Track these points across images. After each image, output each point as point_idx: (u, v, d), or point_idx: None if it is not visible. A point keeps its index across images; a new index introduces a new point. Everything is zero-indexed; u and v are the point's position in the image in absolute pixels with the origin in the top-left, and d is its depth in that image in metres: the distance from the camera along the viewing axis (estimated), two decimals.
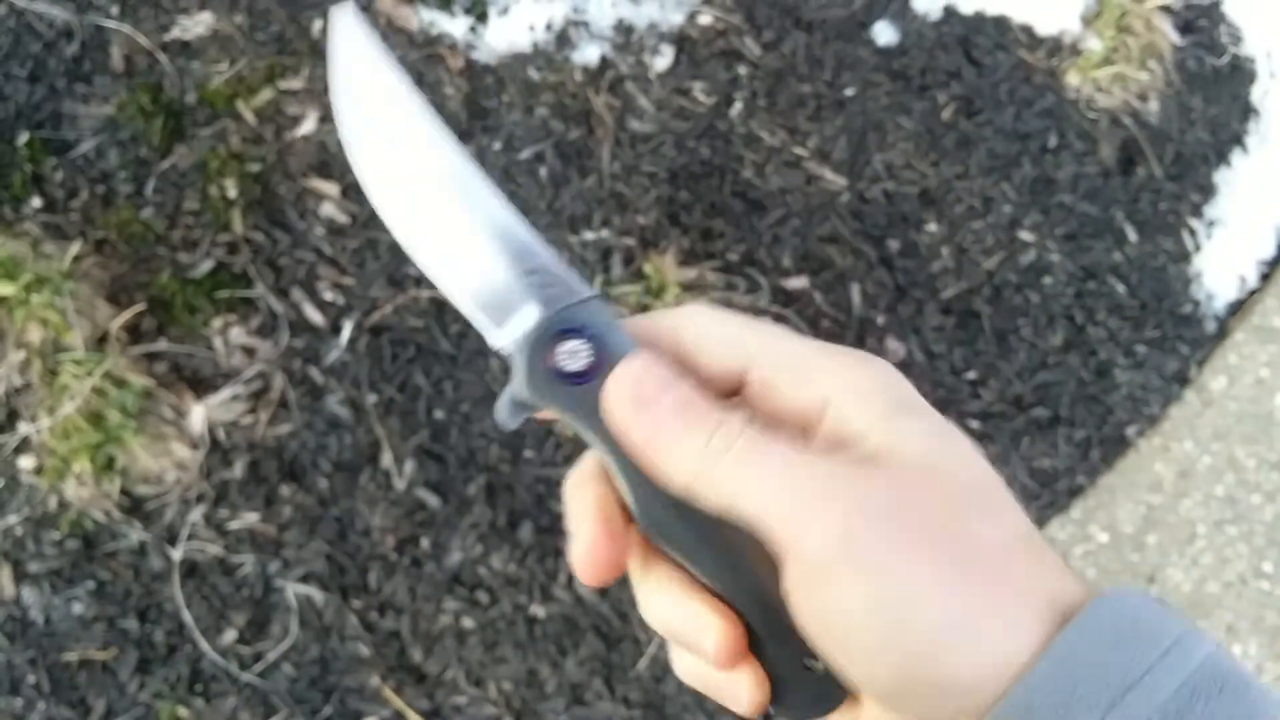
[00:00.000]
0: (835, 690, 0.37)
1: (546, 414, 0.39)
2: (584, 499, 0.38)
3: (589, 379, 0.38)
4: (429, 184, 0.40)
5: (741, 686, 0.36)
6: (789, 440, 0.35)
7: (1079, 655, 0.30)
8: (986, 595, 0.32)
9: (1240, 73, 1.68)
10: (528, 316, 0.39)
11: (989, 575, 0.32)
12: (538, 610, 1.35)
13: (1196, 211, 1.63)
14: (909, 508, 0.33)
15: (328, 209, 1.42)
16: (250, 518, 1.32)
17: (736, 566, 0.36)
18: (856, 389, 0.35)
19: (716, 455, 0.35)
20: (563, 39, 1.52)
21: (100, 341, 1.32)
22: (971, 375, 1.52)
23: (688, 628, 0.36)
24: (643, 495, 0.37)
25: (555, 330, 0.39)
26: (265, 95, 1.44)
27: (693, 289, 1.44)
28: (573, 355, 0.38)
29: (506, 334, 0.40)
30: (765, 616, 0.37)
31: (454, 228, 0.40)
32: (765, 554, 0.35)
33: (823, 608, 0.33)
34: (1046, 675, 0.30)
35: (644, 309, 1.42)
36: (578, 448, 1.37)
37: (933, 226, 1.55)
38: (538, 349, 0.38)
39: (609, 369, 0.38)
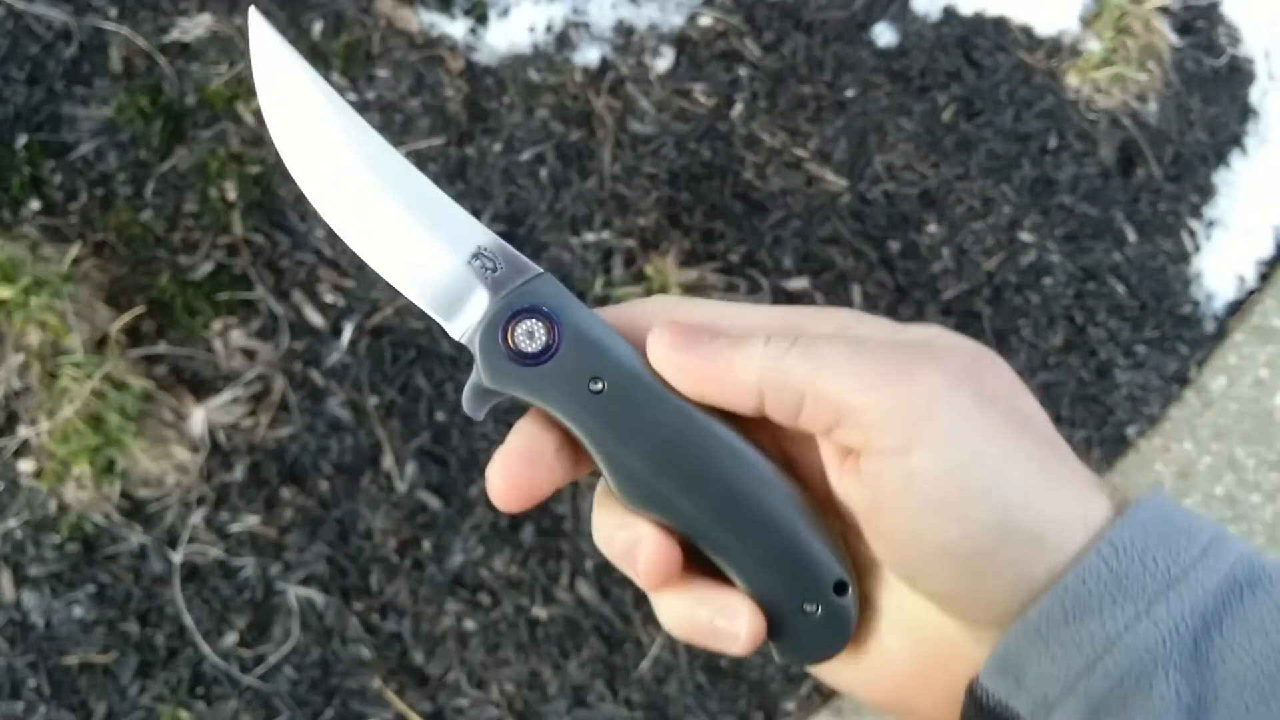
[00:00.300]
0: (836, 635, 0.38)
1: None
2: (523, 426, 0.39)
3: (549, 356, 0.38)
4: (359, 183, 0.40)
5: (737, 622, 0.38)
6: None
7: (1128, 548, 0.32)
8: (1060, 463, 0.34)
9: (1239, 74, 1.68)
10: (478, 304, 0.39)
11: (1057, 449, 0.35)
12: (540, 612, 1.35)
13: (1196, 212, 1.63)
14: (980, 382, 0.35)
15: None
16: (251, 520, 1.32)
17: (722, 508, 0.38)
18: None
19: (780, 351, 0.36)
20: (563, 40, 1.52)
21: (100, 344, 1.32)
22: None
23: (627, 545, 0.38)
24: (621, 459, 0.38)
25: (508, 314, 0.38)
26: None
27: (694, 290, 1.44)
28: (529, 336, 0.38)
29: (461, 325, 0.40)
30: (765, 557, 0.38)
31: (389, 225, 0.40)
32: (772, 489, 0.38)
33: (904, 477, 0.34)
34: (1097, 564, 0.32)
35: None
36: None
37: (933, 227, 1.55)
38: (492, 335, 0.38)
39: (571, 343, 0.38)
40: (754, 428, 0.39)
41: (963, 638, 0.36)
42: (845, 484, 0.37)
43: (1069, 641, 0.32)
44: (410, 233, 0.40)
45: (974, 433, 0.34)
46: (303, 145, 0.40)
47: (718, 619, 0.38)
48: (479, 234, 0.40)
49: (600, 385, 0.38)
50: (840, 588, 0.38)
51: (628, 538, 0.38)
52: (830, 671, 0.40)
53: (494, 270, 0.39)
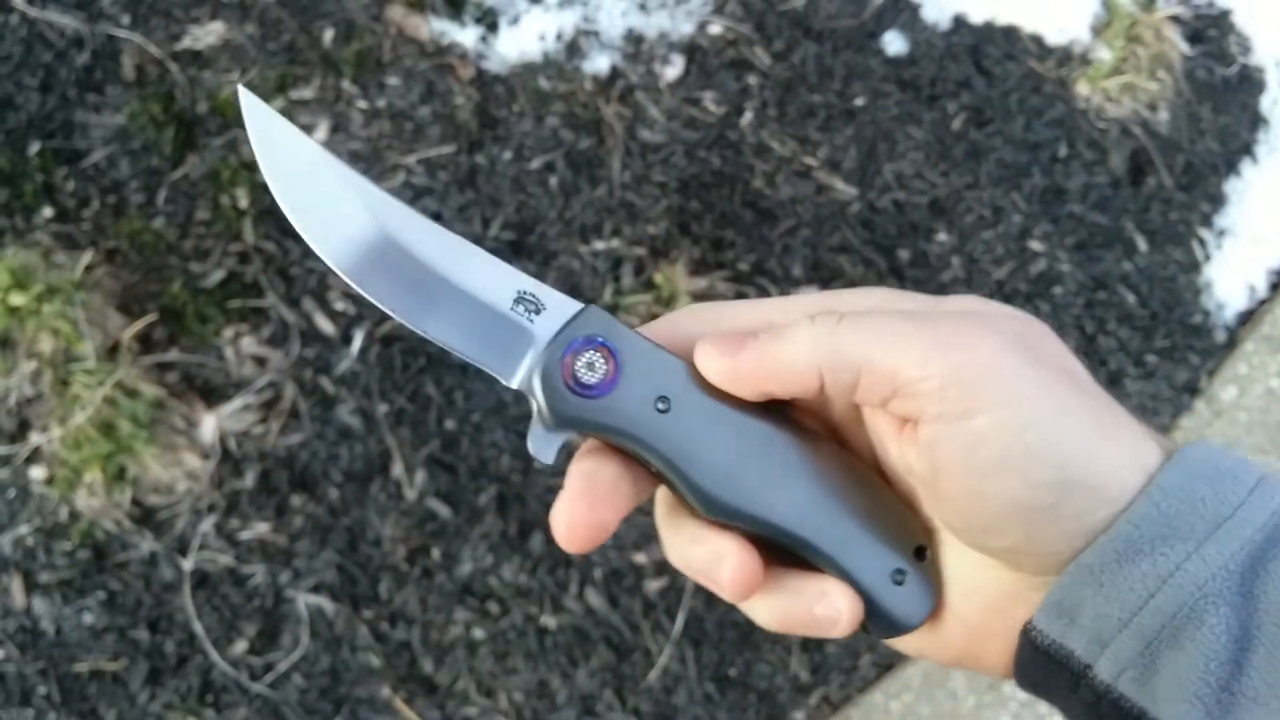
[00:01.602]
0: (923, 601, 0.39)
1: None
2: (579, 466, 0.39)
3: (612, 385, 0.38)
4: (384, 251, 0.40)
5: (834, 606, 0.39)
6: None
7: (1177, 490, 0.34)
8: (1112, 417, 0.36)
9: (1249, 82, 1.68)
10: (530, 348, 0.39)
11: (1108, 404, 0.36)
12: (549, 621, 1.35)
13: (1206, 221, 1.63)
14: (1031, 345, 0.36)
15: None
16: (261, 528, 1.32)
17: (800, 500, 0.38)
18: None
19: (829, 328, 0.37)
20: (573, 49, 1.52)
21: (111, 351, 1.32)
22: None
23: (708, 563, 0.39)
24: (697, 474, 0.38)
25: (565, 351, 0.38)
26: (276, 105, 1.45)
27: (704, 299, 1.44)
28: (590, 368, 0.38)
29: (516, 372, 0.39)
30: (849, 537, 0.39)
31: (430, 288, 0.40)
32: (841, 469, 0.38)
33: (967, 441, 0.35)
34: (1148, 508, 0.34)
35: (654, 319, 1.41)
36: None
37: (943, 236, 1.55)
38: (552, 374, 0.38)
39: (631, 368, 0.38)
40: (800, 411, 0.40)
41: (1023, 587, 0.37)
42: (904, 452, 0.38)
43: (1122, 582, 0.34)
44: (451, 292, 0.39)
45: (1032, 394, 0.35)
46: (324, 227, 0.40)
47: (815, 607, 0.39)
48: (514, 277, 0.40)
49: (666, 405, 0.38)
50: (920, 552, 0.39)
51: (707, 555, 0.39)
52: (906, 639, 0.41)
53: (537, 311, 0.39)
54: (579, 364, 0.38)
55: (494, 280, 0.40)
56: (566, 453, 0.39)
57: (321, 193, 0.40)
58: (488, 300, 0.39)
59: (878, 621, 0.40)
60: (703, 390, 0.39)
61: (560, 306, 0.39)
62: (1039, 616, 0.36)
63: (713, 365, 0.38)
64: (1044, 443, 0.34)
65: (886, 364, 0.36)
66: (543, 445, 0.39)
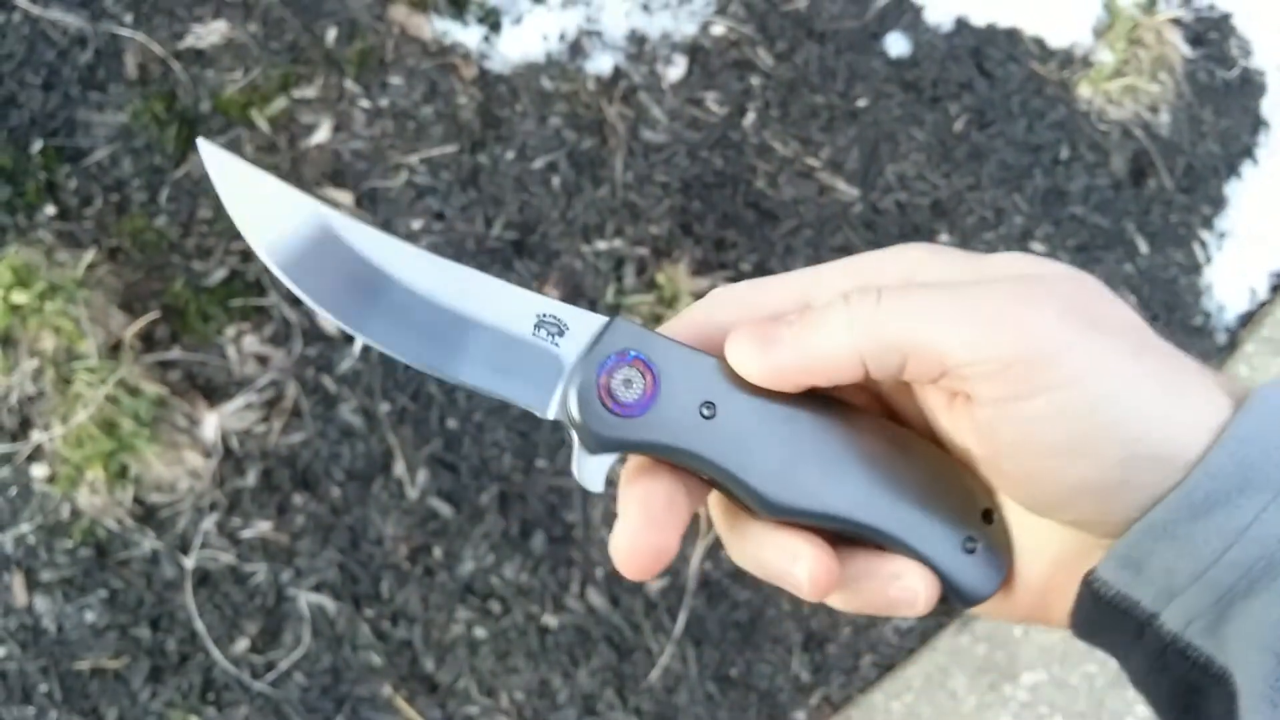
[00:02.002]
0: (998, 564, 0.38)
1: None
2: (630, 492, 0.37)
3: (653, 399, 0.36)
4: (386, 297, 0.37)
5: (910, 585, 0.37)
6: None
7: (1252, 438, 0.32)
8: (1178, 374, 0.34)
9: (1250, 85, 1.69)
10: (559, 373, 0.37)
11: (1172, 361, 0.34)
12: (550, 620, 1.35)
13: (1207, 223, 1.63)
14: (1086, 309, 0.34)
15: None
16: (263, 526, 1.32)
17: (863, 485, 0.37)
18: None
19: (867, 312, 0.35)
20: (576, 49, 1.52)
21: (114, 349, 1.32)
22: None
23: (782, 566, 0.37)
24: (753, 476, 0.36)
25: (598, 371, 0.36)
26: (279, 104, 1.45)
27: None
28: (627, 385, 0.36)
29: (550, 401, 0.37)
30: (914, 515, 0.37)
31: (438, 327, 0.37)
32: (897, 446, 0.37)
33: (1027, 424, 0.33)
34: (1222, 460, 0.32)
35: (656, 319, 1.42)
36: None
37: (945, 237, 1.55)
38: (589, 398, 0.36)
39: (670, 378, 0.36)
40: (844, 387, 0.38)
41: (1091, 545, 0.36)
42: (957, 428, 0.37)
43: (1197, 535, 0.33)
44: (468, 329, 0.37)
45: (1095, 368, 0.32)
46: (313, 271, 0.37)
47: (889, 590, 0.38)
48: (530, 300, 0.37)
49: (711, 410, 0.37)
50: (987, 515, 0.38)
51: (778, 557, 0.37)
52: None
53: (561, 332, 0.37)
54: (615, 382, 0.36)
55: (510, 307, 0.37)
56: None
57: (308, 247, 0.37)
58: (508, 330, 0.37)
59: (953, 593, 0.38)
60: (745, 388, 0.37)
61: (584, 324, 0.37)
62: (1103, 568, 0.35)
63: (748, 364, 0.36)
64: (1110, 422, 0.32)
65: (933, 348, 0.33)
66: (590, 473, 0.37)
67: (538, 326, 0.37)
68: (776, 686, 1.37)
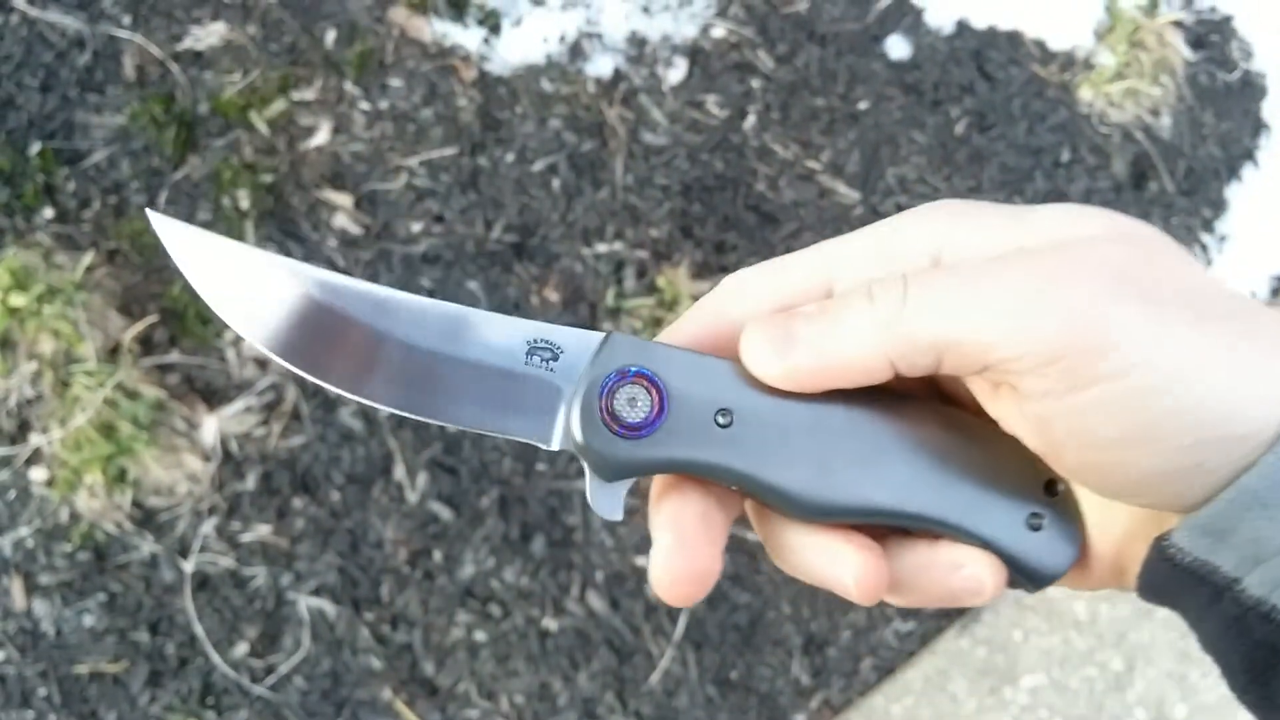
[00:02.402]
0: (1069, 537, 0.35)
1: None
2: (660, 515, 0.35)
3: (661, 416, 0.34)
4: (383, 357, 0.35)
5: (973, 574, 0.35)
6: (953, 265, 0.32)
7: None
8: (1249, 341, 0.30)
9: (1251, 88, 1.68)
10: (558, 401, 0.35)
11: (1241, 323, 0.30)
12: (550, 623, 1.35)
13: (1208, 226, 1.63)
14: (1142, 278, 0.30)
15: (340, 220, 1.42)
16: (262, 530, 1.32)
17: (905, 475, 0.34)
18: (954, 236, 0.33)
19: (894, 309, 0.31)
20: (576, 51, 1.52)
21: (112, 353, 1.32)
22: None
23: (831, 573, 0.35)
24: (782, 482, 0.34)
25: (598, 393, 0.34)
26: (278, 106, 1.44)
27: None
28: (631, 404, 0.34)
29: (553, 432, 0.35)
30: (968, 499, 0.34)
31: (424, 371, 0.35)
32: (941, 427, 0.34)
33: (1082, 418, 0.30)
34: None
35: (657, 322, 1.41)
36: None
37: None
38: (592, 424, 0.34)
39: (677, 390, 0.34)
40: None
41: (1166, 515, 0.34)
42: (1006, 417, 0.33)
43: None
44: (456, 369, 0.35)
45: (1153, 351, 0.29)
46: (285, 331, 0.35)
47: (951, 582, 0.35)
48: (518, 327, 0.35)
49: (727, 418, 0.34)
50: (1050, 487, 0.35)
51: (822, 563, 0.35)
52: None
53: (555, 357, 0.35)
54: (618, 403, 0.34)
55: (498, 338, 0.35)
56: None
57: (298, 324, 0.35)
58: (498, 364, 0.35)
59: (1022, 575, 0.35)
60: (764, 389, 0.34)
61: (578, 344, 0.35)
62: (1179, 535, 0.32)
63: (764, 368, 0.34)
64: (1175, 408, 0.29)
65: (971, 344, 0.30)
66: (605, 502, 0.35)
67: (529, 354, 0.35)
68: (777, 689, 1.37)
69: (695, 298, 1.43)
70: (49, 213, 1.38)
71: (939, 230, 0.34)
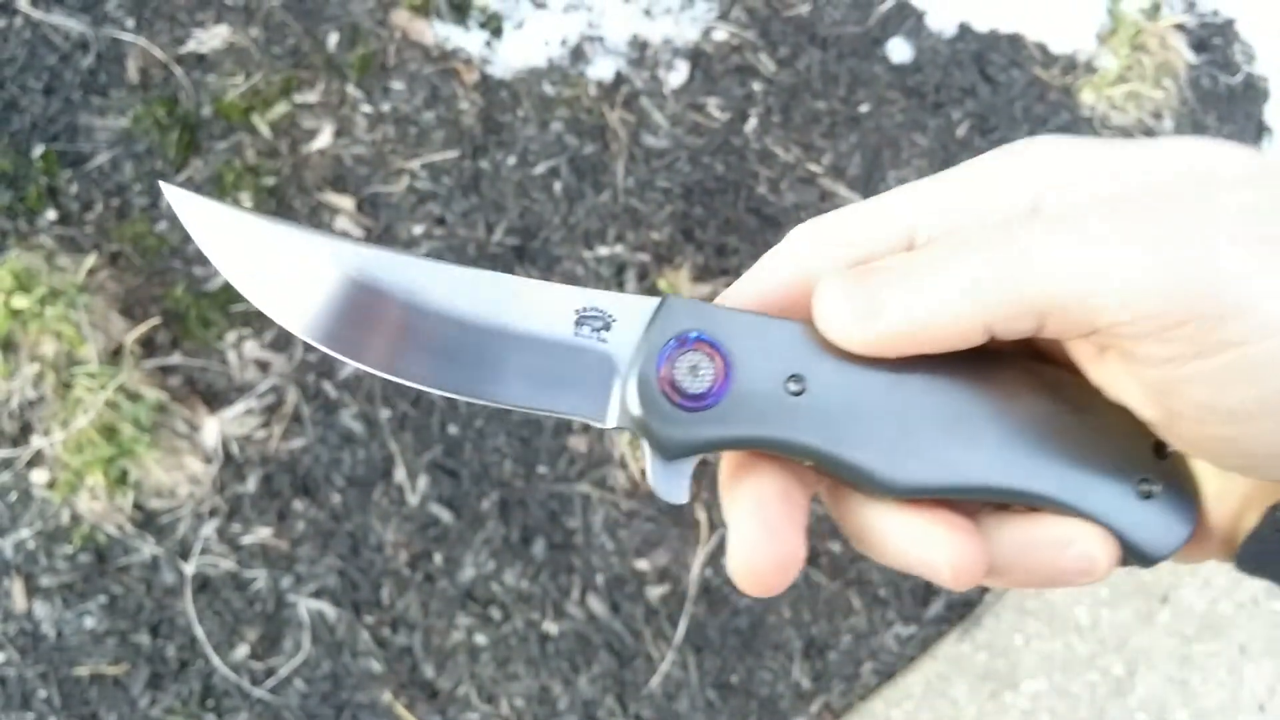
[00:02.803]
0: (1184, 506, 0.32)
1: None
2: (736, 498, 0.32)
3: (726, 384, 0.31)
4: (425, 332, 0.32)
5: (1084, 554, 0.31)
6: (1062, 208, 0.28)
7: None
8: None
9: (1254, 91, 1.68)
10: (611, 374, 0.32)
11: None
12: (550, 627, 1.34)
13: None
14: (1270, 219, 0.26)
15: (342, 222, 1.42)
16: (263, 532, 1.32)
17: (1010, 441, 0.31)
18: (1056, 180, 0.30)
19: (991, 269, 0.28)
20: (578, 54, 1.52)
21: (114, 355, 1.32)
22: None
23: (923, 559, 0.31)
24: (865, 454, 0.31)
25: (656, 363, 0.31)
26: (280, 109, 1.45)
27: None
28: (693, 373, 0.31)
29: (609, 409, 0.32)
30: (1069, 468, 0.31)
31: (467, 344, 0.32)
32: (1036, 390, 0.31)
33: (1208, 387, 0.27)
34: None
35: None
36: (592, 463, 1.37)
37: None
38: (651, 397, 0.31)
39: (743, 355, 0.31)
40: None
41: None
42: (1114, 382, 0.30)
43: None
44: (501, 340, 0.32)
45: None
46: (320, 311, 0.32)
47: (1060, 561, 0.32)
48: (566, 295, 0.32)
49: (799, 385, 0.31)
50: (1161, 449, 0.32)
51: (910, 547, 0.31)
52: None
53: (607, 326, 0.32)
54: (679, 373, 0.31)
55: (544, 307, 0.32)
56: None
57: (338, 305, 0.32)
58: (546, 335, 0.32)
59: (1133, 551, 0.32)
60: (839, 353, 0.31)
61: (632, 310, 0.32)
62: None
63: (844, 335, 0.30)
64: None
65: (1078, 306, 0.27)
66: (668, 483, 0.32)
67: (579, 323, 0.32)
68: (777, 693, 1.37)
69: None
70: (52, 215, 1.38)
71: (1039, 170, 0.30)
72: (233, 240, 0.33)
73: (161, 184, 0.36)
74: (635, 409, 0.31)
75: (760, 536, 0.31)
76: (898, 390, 0.31)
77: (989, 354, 0.31)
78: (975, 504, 0.32)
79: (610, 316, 0.32)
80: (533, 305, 0.32)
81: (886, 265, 0.30)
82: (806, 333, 0.31)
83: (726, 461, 0.33)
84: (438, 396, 1.38)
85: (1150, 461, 0.31)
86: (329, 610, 1.31)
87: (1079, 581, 0.32)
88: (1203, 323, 0.26)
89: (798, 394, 0.31)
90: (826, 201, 1.52)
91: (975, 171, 0.31)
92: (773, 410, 0.31)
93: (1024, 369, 0.32)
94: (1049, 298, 0.27)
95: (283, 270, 0.33)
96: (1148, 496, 0.31)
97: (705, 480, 1.35)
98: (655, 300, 0.32)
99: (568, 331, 0.32)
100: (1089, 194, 0.29)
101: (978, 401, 0.31)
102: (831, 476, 0.33)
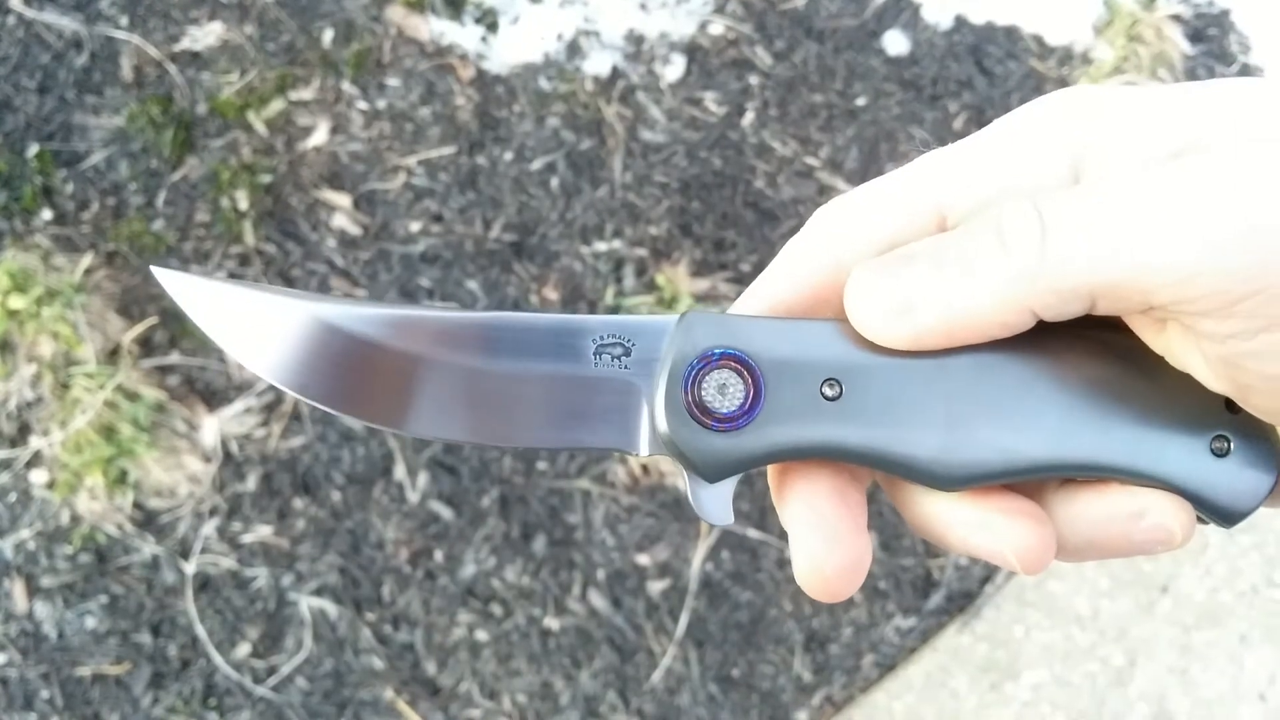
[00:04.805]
0: (1265, 461, 0.30)
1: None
2: (792, 508, 0.31)
3: (759, 398, 0.30)
4: (434, 386, 0.31)
5: (1159, 525, 0.30)
6: (1099, 182, 0.26)
7: None
8: None
9: None
10: (638, 400, 0.31)
11: None
12: (551, 623, 1.35)
13: None
14: None
15: (339, 220, 1.42)
16: (263, 531, 1.32)
17: (1068, 417, 0.29)
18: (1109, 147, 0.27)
19: (1034, 256, 0.26)
20: (574, 49, 1.52)
21: (112, 354, 1.32)
22: None
23: (990, 548, 0.30)
24: (911, 450, 0.30)
25: (681, 385, 0.30)
26: (276, 106, 1.44)
27: (706, 300, 1.44)
28: (722, 391, 0.30)
29: (639, 436, 0.31)
30: (1134, 436, 0.30)
31: (490, 394, 0.31)
32: (1092, 359, 0.29)
33: (1275, 354, 0.25)
34: None
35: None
36: (591, 459, 1.37)
37: None
38: (682, 423, 0.30)
39: (771, 367, 0.30)
40: None
41: None
42: (1175, 352, 0.29)
43: None
44: (523, 383, 0.31)
45: None
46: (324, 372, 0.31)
47: (1133, 534, 0.30)
48: (583, 326, 0.31)
49: (836, 388, 0.30)
50: (1232, 403, 0.30)
51: (974, 537, 0.30)
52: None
53: (627, 351, 0.31)
54: (706, 393, 0.30)
55: (563, 342, 0.31)
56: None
57: (336, 367, 0.31)
58: (566, 372, 0.31)
59: (1211, 512, 0.30)
60: (875, 348, 0.30)
61: (650, 332, 0.31)
62: None
63: (881, 333, 0.29)
64: None
65: (1132, 286, 0.25)
66: (712, 506, 0.31)
67: (598, 353, 0.31)
68: (779, 687, 1.37)
69: (695, 295, 1.43)
70: (47, 215, 1.38)
71: (1075, 129, 0.28)
72: (220, 310, 0.32)
73: (154, 269, 0.34)
74: (666, 435, 0.30)
75: (821, 547, 0.30)
76: (942, 379, 0.30)
77: (1048, 328, 0.29)
78: (1039, 482, 0.31)
79: (629, 341, 0.31)
80: (548, 342, 0.31)
81: (919, 253, 0.28)
82: (838, 330, 0.30)
83: (773, 470, 0.32)
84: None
85: (1223, 417, 0.30)
86: (330, 608, 1.31)
87: (1156, 551, 0.30)
88: (1269, 295, 0.24)
89: (835, 398, 0.30)
90: (824, 195, 1.52)
91: (1004, 135, 0.29)
92: (811, 417, 0.30)
93: (1077, 336, 0.30)
94: (1099, 278, 0.26)
95: (282, 340, 0.31)
96: (1223, 454, 0.30)
97: None
98: (673, 318, 0.31)
99: (588, 364, 0.31)
100: (1132, 154, 0.27)
101: (1030, 378, 0.30)
102: (882, 472, 0.31)
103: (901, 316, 0.28)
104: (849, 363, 0.30)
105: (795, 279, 0.31)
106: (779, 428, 0.30)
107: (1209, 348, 0.27)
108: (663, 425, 0.30)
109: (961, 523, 0.30)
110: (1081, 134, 0.28)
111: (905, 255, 0.29)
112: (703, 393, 0.30)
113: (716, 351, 0.30)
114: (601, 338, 0.31)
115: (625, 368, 0.31)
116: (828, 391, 0.30)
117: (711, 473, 0.30)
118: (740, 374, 0.30)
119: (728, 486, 0.31)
